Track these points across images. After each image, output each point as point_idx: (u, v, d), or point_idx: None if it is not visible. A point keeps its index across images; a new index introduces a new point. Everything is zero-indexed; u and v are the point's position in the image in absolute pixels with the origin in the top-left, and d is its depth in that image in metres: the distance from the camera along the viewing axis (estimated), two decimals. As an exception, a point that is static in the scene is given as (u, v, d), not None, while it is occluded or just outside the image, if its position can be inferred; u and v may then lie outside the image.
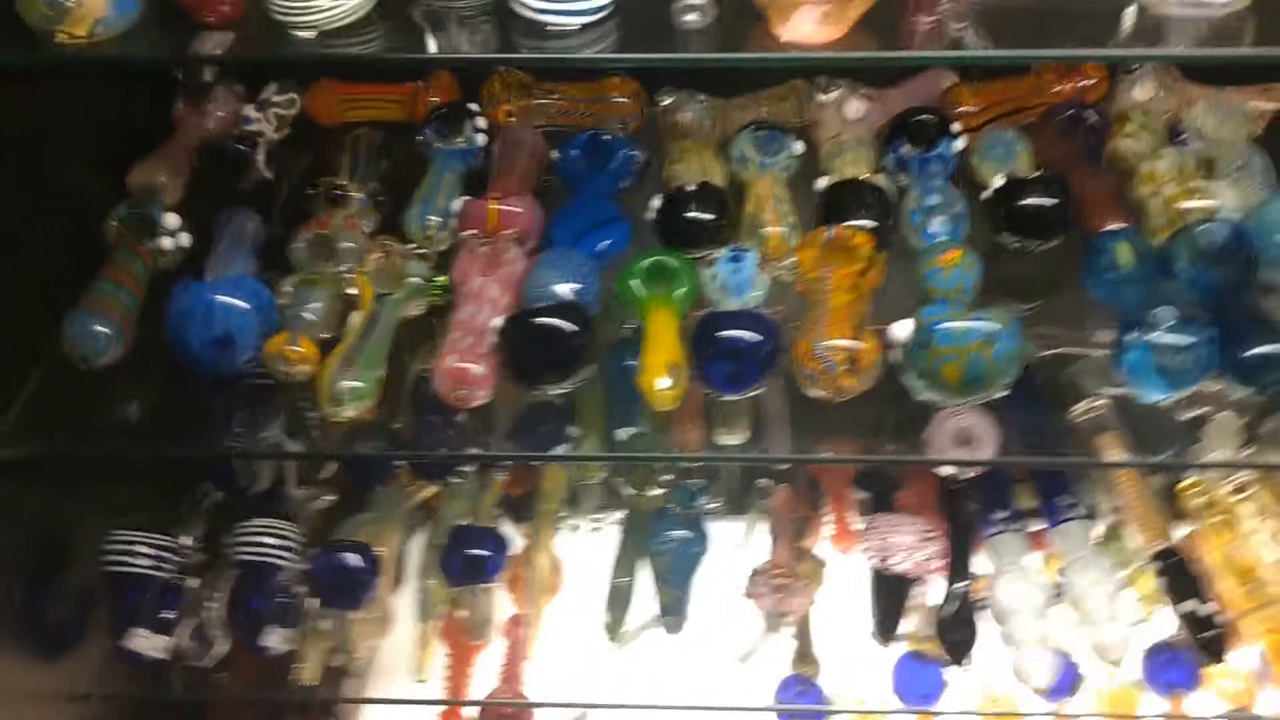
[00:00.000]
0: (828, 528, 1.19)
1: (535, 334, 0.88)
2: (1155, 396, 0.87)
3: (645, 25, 0.79)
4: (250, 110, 1.11)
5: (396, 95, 1.14)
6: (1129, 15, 0.78)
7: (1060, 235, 0.98)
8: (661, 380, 0.86)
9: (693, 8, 0.74)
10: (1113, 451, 0.94)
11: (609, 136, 1.07)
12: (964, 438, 0.91)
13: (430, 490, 1.14)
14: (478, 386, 0.87)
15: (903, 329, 0.86)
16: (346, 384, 0.87)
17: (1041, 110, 1.09)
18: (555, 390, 0.91)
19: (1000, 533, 1.08)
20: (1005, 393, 0.87)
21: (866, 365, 0.86)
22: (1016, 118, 1.10)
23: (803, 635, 1.13)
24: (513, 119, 1.11)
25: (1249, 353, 0.84)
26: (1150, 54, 0.92)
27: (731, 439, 0.93)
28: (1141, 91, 1.09)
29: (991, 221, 0.99)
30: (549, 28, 0.77)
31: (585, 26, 0.78)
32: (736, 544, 1.18)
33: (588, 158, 1.06)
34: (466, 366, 0.87)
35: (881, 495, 1.15)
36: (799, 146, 1.05)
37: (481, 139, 1.07)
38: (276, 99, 1.12)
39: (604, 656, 1.13)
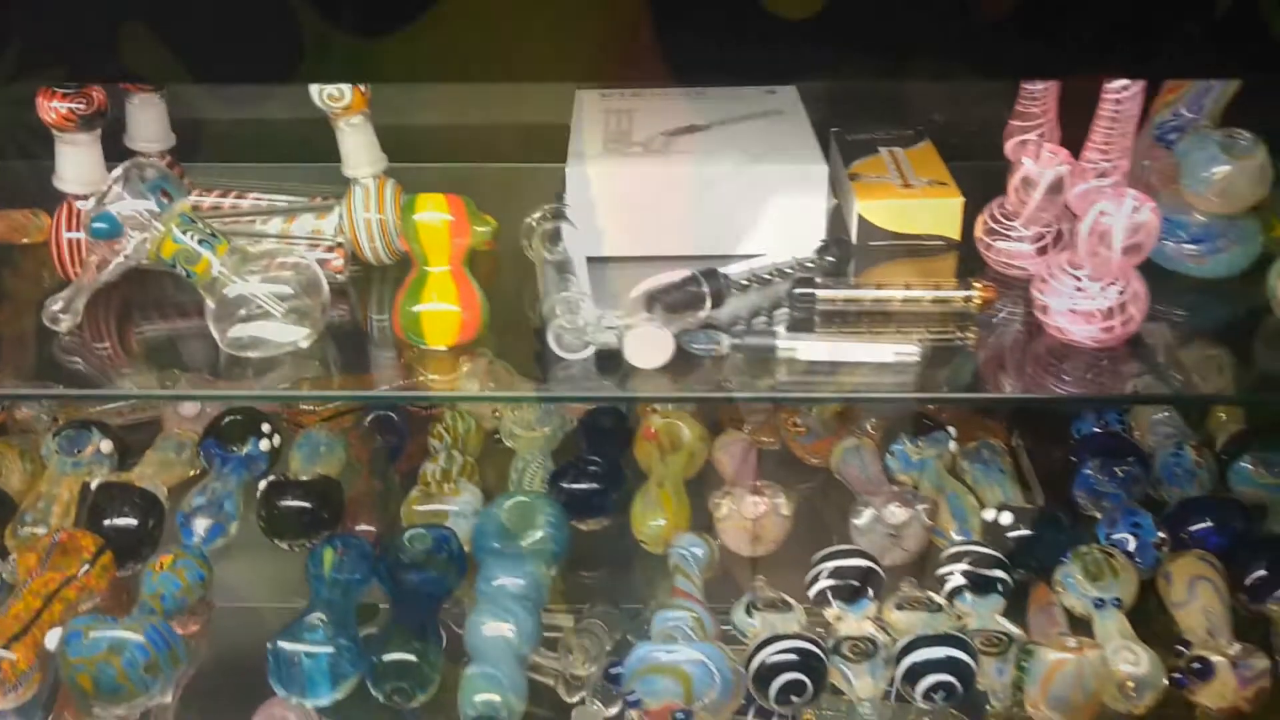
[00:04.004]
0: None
1: None
2: (314, 700, 0.87)
3: None
4: None
5: None
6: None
7: (317, 536, 1.01)
8: None
9: None
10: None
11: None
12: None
13: None
14: None
15: (52, 639, 0.87)
16: None
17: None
18: None
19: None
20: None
21: (14, 678, 0.85)
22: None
23: None
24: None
25: (385, 659, 0.86)
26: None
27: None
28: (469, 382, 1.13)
29: (258, 520, 1.02)
30: None
31: None
32: None
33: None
34: None
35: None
36: (107, 445, 1.07)
37: None
38: None
39: None
